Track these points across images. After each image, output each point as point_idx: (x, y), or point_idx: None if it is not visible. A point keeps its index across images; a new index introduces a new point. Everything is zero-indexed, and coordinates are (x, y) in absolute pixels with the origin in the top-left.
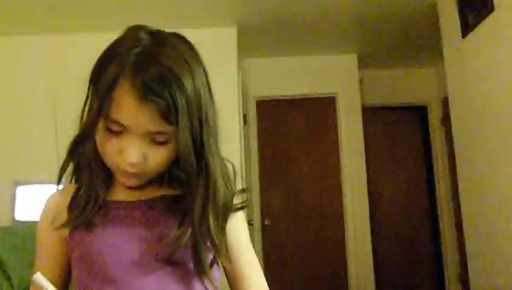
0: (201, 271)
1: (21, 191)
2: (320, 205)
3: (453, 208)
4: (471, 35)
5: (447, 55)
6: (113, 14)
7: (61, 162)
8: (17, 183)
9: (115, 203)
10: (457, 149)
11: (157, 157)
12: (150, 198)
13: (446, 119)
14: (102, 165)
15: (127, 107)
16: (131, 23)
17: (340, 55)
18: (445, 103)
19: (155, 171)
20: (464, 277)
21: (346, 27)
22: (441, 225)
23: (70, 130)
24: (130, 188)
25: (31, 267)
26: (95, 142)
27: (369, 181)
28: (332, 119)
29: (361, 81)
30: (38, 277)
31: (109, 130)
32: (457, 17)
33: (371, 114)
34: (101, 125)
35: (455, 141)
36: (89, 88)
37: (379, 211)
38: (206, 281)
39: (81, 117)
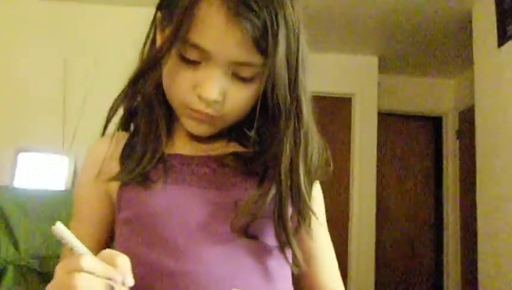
0: (284, 243)
1: (22, 158)
2: (326, 207)
3: (460, 222)
4: (509, 44)
5: (478, 64)
6: None
7: (68, 131)
8: (18, 150)
9: (177, 156)
10: (479, 160)
11: (238, 97)
12: (220, 154)
13: (462, 132)
14: (165, 107)
15: (213, 25)
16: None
17: (361, 56)
18: (462, 115)
19: (231, 117)
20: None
21: (370, 28)
22: (445, 238)
23: (79, 100)
24: (195, 140)
25: (43, 235)
26: (158, 78)
27: (377, 187)
28: (347, 121)
29: (379, 84)
30: (59, 228)
31: (184, 60)
32: (495, 25)
33: (385, 119)
34: (173, 54)
35: (478, 151)
36: (155, 16)
37: (384, 218)
38: (284, 259)
39: (142, 53)
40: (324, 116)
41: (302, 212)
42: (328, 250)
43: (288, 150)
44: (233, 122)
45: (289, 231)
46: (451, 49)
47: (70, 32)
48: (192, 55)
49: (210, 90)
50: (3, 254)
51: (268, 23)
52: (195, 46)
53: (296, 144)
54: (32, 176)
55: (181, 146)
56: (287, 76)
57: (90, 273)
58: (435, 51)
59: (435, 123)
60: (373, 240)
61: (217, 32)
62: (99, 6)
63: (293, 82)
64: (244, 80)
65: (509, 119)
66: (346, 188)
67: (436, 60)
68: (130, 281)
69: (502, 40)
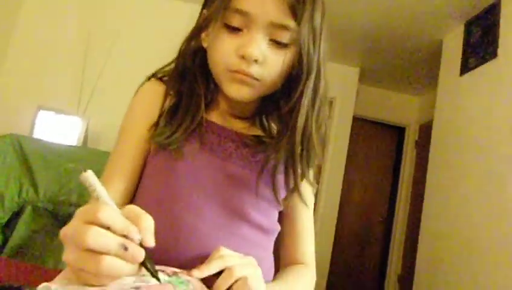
0: (290, 189)
1: (42, 116)
2: None
3: (407, 219)
4: (468, 74)
5: (441, 86)
6: None
7: (83, 97)
8: (39, 108)
9: (212, 124)
10: (430, 169)
11: (275, 61)
12: (244, 133)
13: (419, 143)
14: (206, 81)
15: None
16: None
17: (345, 66)
18: (421, 128)
19: (268, 82)
20: (404, 278)
21: (356, 44)
22: (393, 230)
23: (97, 70)
24: (227, 116)
25: (59, 183)
26: (201, 51)
27: (344, 178)
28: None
29: (357, 92)
30: (89, 175)
31: (228, 28)
32: (460, 56)
33: (358, 123)
34: (218, 24)
35: (430, 161)
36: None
37: (345, 205)
38: (275, 208)
39: (197, 23)
40: None
41: (308, 160)
42: (309, 228)
43: (305, 109)
44: (270, 90)
45: (298, 179)
46: (420, 70)
47: (98, 7)
48: (234, 21)
49: (252, 49)
50: (24, 194)
51: None
52: (238, 11)
53: (313, 106)
54: (48, 132)
55: (216, 117)
56: (312, 42)
57: (107, 226)
58: (407, 70)
59: (398, 131)
60: (334, 222)
61: None
62: None
63: (318, 49)
64: (280, 45)
65: (461, 138)
66: (317, 176)
67: (407, 78)
68: (150, 243)
69: (464, 70)
